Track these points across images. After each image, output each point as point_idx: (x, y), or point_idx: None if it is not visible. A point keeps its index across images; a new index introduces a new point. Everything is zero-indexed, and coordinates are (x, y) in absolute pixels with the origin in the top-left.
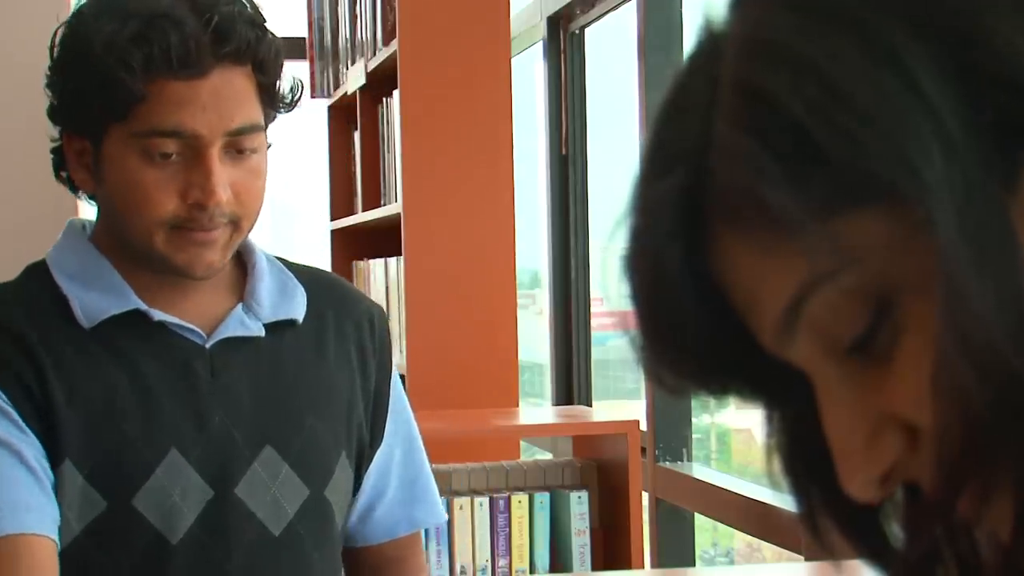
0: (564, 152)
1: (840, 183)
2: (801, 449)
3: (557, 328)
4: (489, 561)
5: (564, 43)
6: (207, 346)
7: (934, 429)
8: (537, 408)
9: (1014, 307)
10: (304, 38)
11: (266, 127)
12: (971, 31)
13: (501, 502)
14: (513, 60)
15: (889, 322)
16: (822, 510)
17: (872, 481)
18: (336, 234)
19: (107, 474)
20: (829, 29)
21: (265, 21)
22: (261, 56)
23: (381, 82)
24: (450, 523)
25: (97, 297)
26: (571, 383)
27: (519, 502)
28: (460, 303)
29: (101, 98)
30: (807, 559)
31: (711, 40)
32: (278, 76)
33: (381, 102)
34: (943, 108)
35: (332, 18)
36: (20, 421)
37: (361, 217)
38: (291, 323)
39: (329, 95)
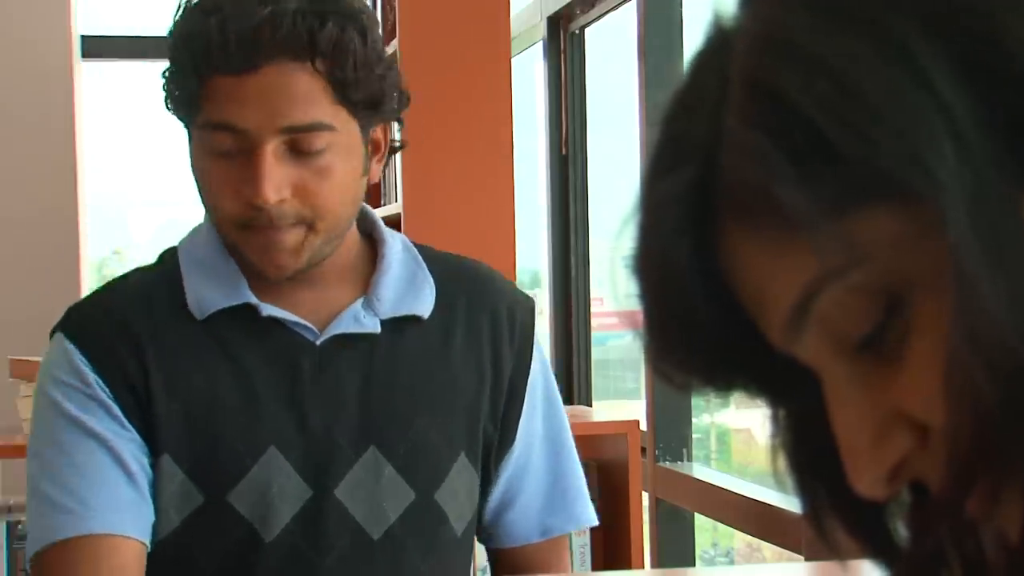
0: (564, 152)
1: (852, 180)
2: (806, 447)
3: (557, 328)
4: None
5: (564, 43)
6: (318, 343)
7: (944, 427)
8: None
9: None
10: None
11: (363, 125)
12: (984, 30)
13: None
14: (513, 60)
15: (899, 320)
16: (827, 509)
17: (880, 479)
18: None
19: (205, 469)
20: (841, 26)
21: (343, 14)
22: (322, 50)
23: None
24: None
25: (212, 288)
26: (571, 383)
27: None
28: None
29: (177, 92)
30: (807, 559)
31: (720, 36)
32: (350, 71)
33: None
34: (955, 106)
35: None
36: (121, 415)
37: None
38: (415, 319)
39: None
